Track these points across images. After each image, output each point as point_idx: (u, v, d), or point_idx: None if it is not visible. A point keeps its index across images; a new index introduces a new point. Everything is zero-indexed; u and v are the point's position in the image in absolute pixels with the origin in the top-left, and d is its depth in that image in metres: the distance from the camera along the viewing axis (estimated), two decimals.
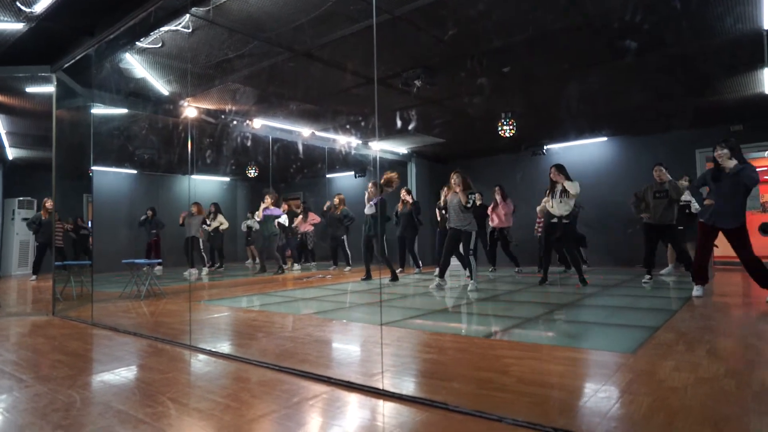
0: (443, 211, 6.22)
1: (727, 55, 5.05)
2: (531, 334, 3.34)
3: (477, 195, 8.10)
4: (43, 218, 8.41)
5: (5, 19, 3.95)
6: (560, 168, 5.89)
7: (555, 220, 5.88)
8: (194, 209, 8.71)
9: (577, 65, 5.39)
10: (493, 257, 8.09)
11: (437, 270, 6.13)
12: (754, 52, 4.85)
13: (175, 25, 4.25)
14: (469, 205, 5.65)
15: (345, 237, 9.33)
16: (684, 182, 6.49)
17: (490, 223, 7.91)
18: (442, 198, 6.19)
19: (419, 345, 3.14)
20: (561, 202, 5.80)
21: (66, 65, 4.66)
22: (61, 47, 4.56)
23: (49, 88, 4.97)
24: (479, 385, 2.23)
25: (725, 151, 4.32)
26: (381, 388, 2.18)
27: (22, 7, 3.74)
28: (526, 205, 8.43)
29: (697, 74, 5.71)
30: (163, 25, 4.13)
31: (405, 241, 8.06)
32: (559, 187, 5.84)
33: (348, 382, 2.28)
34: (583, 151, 9.06)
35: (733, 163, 4.29)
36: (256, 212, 8.99)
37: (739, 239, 4.30)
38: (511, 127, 6.99)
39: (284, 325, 3.92)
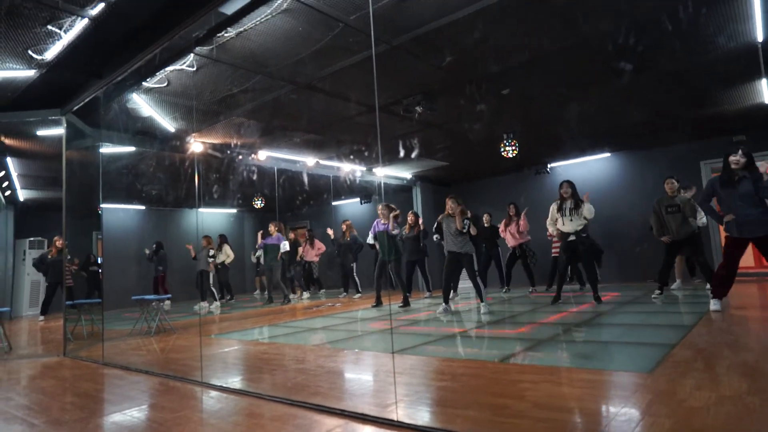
0: (437, 236, 6.18)
1: (723, 69, 5.10)
2: (546, 357, 3.28)
3: (482, 220, 8.10)
4: (49, 257, 8.39)
5: (18, 67, 4.09)
6: (571, 184, 5.89)
7: (573, 237, 5.80)
8: (204, 242, 8.77)
9: (575, 85, 5.46)
10: (509, 277, 7.98)
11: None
12: (750, 63, 4.89)
13: (180, 65, 4.37)
14: (464, 230, 5.68)
15: (354, 264, 9.32)
16: (689, 193, 6.41)
17: (507, 243, 7.86)
18: (436, 223, 6.16)
19: (432, 372, 3.09)
20: (572, 219, 5.76)
21: (75, 108, 4.78)
22: (71, 90, 4.69)
23: (59, 131, 5.09)
24: (495, 412, 2.19)
25: (745, 159, 4.25)
26: (395, 419, 2.14)
27: (34, 55, 3.87)
28: (532, 224, 8.40)
29: (695, 89, 5.76)
30: (168, 65, 4.24)
31: (414, 265, 8.03)
32: (568, 204, 5.82)
33: (362, 414, 2.24)
34: (587, 168, 9.07)
35: (743, 173, 4.25)
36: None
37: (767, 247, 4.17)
38: (513, 147, 7.02)
39: (295, 356, 3.88)
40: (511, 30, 4.07)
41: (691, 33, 4.17)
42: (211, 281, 8.67)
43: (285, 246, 8.63)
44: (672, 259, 5.91)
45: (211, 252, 8.67)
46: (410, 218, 7.90)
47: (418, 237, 7.79)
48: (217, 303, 8.69)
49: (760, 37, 4.28)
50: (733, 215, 4.28)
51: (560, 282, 6.11)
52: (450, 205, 5.84)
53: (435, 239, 6.31)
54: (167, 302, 8.24)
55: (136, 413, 2.56)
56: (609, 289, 7.31)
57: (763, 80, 5.45)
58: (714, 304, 4.50)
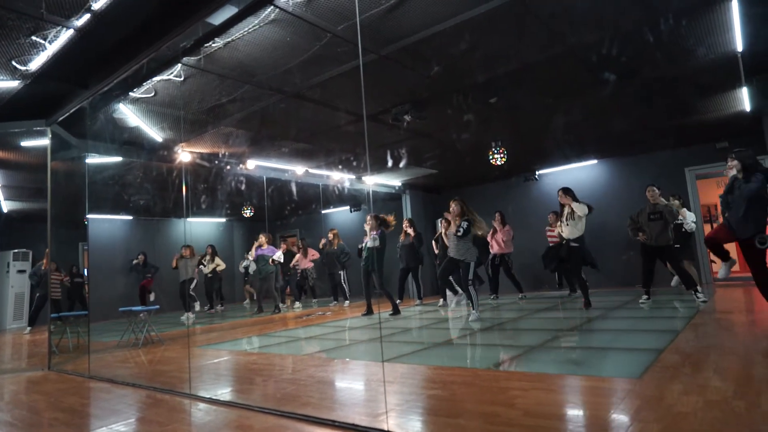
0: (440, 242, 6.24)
1: (705, 78, 5.20)
2: (536, 363, 3.29)
3: (476, 223, 8.13)
4: (43, 268, 8.27)
5: (1, 77, 4.04)
6: (567, 190, 5.95)
7: (564, 242, 5.92)
8: (186, 252, 8.69)
9: (561, 94, 5.53)
10: (496, 285, 8.02)
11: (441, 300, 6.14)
12: (731, 72, 4.99)
13: (168, 75, 4.35)
14: (459, 233, 5.68)
15: (342, 272, 9.30)
16: (675, 201, 6.52)
17: (490, 249, 7.89)
18: (441, 230, 6.22)
19: (423, 381, 3.09)
20: (568, 225, 5.84)
21: (61, 118, 4.73)
22: (56, 101, 4.64)
23: (44, 141, 5.02)
24: (486, 419, 2.19)
25: (734, 162, 4.28)
26: (386, 429, 2.13)
27: (18, 66, 3.83)
28: (521, 231, 8.45)
29: (677, 97, 5.86)
30: (155, 75, 4.22)
31: (408, 273, 8.02)
32: (567, 210, 5.90)
33: (353, 424, 2.23)
34: (575, 175, 9.16)
35: (742, 177, 4.27)
36: (250, 252, 8.99)
37: (749, 252, 4.06)
38: (501, 155, 7.08)
39: (285, 366, 3.85)
40: (497, 40, 4.12)
41: (673, 44, 4.25)
42: (192, 287, 8.59)
43: (280, 256, 8.64)
44: (650, 265, 5.97)
45: (205, 260, 8.64)
46: (405, 225, 7.90)
47: (413, 244, 7.79)
48: (197, 306, 8.63)
49: (739, 47, 4.38)
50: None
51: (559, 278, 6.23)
52: (452, 208, 5.88)
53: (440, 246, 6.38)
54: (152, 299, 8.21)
55: (123, 428, 2.52)
56: (598, 294, 7.37)
57: (744, 88, 5.56)
58: (723, 270, 4.28)
